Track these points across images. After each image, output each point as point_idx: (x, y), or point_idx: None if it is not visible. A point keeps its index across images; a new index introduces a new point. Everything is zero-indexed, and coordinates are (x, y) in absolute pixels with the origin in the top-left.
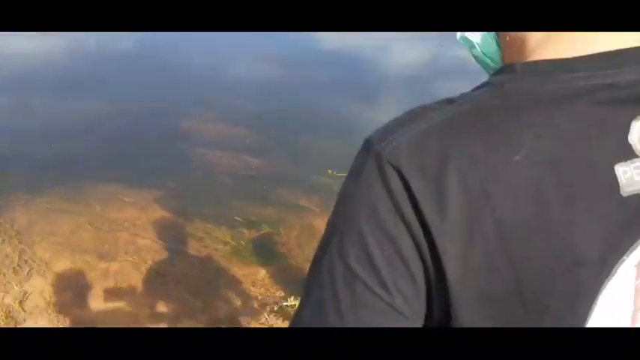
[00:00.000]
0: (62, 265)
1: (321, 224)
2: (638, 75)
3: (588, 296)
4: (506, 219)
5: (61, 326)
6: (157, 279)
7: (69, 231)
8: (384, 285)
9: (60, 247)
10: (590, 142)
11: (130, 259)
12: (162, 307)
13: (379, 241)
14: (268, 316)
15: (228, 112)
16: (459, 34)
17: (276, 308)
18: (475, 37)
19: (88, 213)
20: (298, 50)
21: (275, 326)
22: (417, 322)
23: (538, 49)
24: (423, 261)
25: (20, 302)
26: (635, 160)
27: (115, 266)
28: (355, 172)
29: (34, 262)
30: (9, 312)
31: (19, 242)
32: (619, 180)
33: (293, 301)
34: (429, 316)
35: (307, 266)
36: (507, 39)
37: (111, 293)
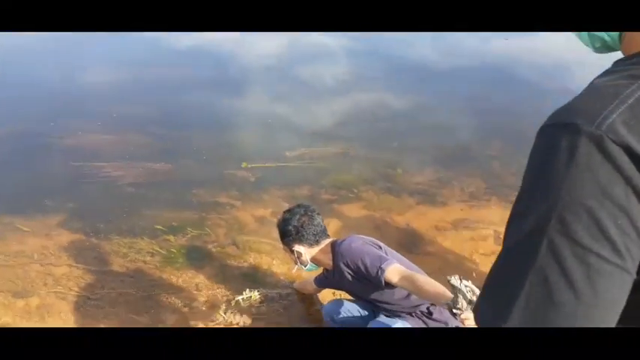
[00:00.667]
0: None
1: (245, 217)
2: None
3: None
4: None
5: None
6: (90, 304)
7: None
8: (618, 252)
9: None
10: None
11: (53, 290)
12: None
13: (612, 215)
14: (225, 314)
15: (109, 120)
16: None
17: (233, 304)
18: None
19: None
20: (155, 51)
21: (235, 323)
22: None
23: None
24: None
25: None
26: None
27: (35, 301)
28: (566, 157)
29: None
30: None
31: None
32: None
33: (248, 294)
34: None
35: (246, 260)
36: None
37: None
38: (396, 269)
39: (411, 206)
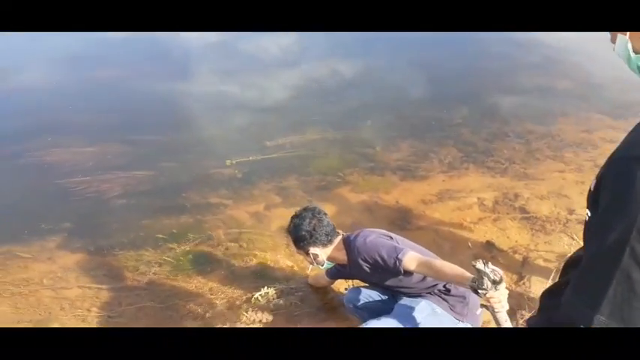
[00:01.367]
0: None
1: (240, 214)
2: None
3: None
4: None
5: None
6: (112, 322)
7: None
8: None
9: None
10: None
11: (71, 314)
12: None
13: None
14: (247, 313)
15: (79, 131)
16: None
17: (253, 301)
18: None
19: None
20: (89, 48)
21: (258, 321)
22: None
23: None
24: None
25: None
26: None
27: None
28: None
29: None
30: None
31: None
32: None
33: (266, 290)
34: None
35: (251, 257)
36: None
37: None
38: (412, 257)
39: (396, 184)
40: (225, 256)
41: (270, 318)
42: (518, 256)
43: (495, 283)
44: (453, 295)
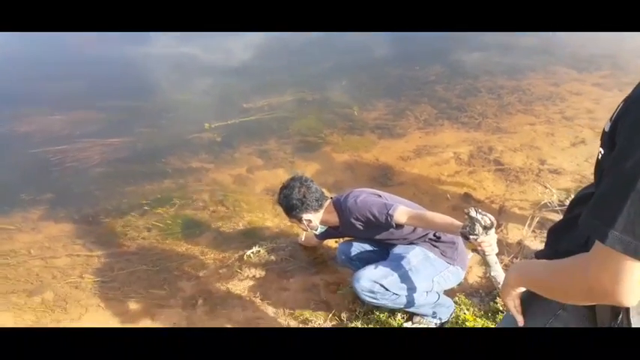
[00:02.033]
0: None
1: (223, 177)
2: None
3: None
4: None
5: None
6: (107, 287)
7: None
8: None
9: None
10: None
11: (64, 282)
12: (133, 308)
13: None
14: (240, 270)
15: (50, 99)
16: None
17: (245, 258)
18: None
19: None
20: None
21: (251, 275)
22: None
23: None
24: None
25: None
26: None
27: (50, 296)
28: None
29: None
30: None
31: None
32: None
33: (257, 248)
34: None
35: (239, 219)
36: None
37: (73, 320)
38: (402, 211)
39: (375, 142)
40: (212, 218)
41: (263, 273)
42: (494, 206)
43: (486, 228)
44: (443, 242)
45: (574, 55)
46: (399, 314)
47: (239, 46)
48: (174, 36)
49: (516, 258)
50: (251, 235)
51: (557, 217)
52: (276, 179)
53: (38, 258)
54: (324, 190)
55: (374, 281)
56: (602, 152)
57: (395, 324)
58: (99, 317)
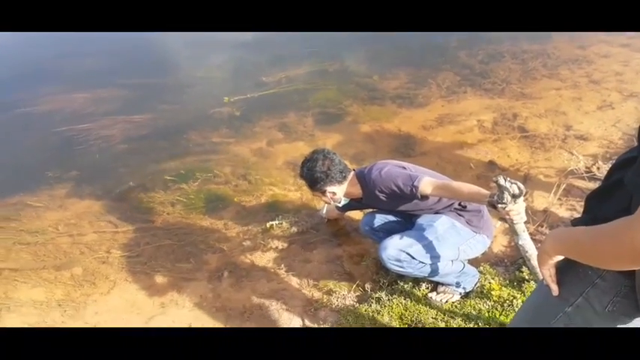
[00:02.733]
0: (27, 294)
1: (244, 152)
2: None
3: None
4: None
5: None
6: (134, 262)
7: (1, 258)
8: None
9: (6, 280)
10: None
11: (92, 257)
12: (160, 281)
13: None
14: (264, 242)
15: (72, 78)
16: None
17: (268, 228)
18: None
19: (5, 233)
20: None
21: (274, 247)
22: None
23: None
24: None
25: None
26: None
27: (79, 271)
28: None
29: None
30: None
31: None
32: None
33: (280, 220)
34: None
35: (261, 193)
36: None
37: (102, 294)
38: (427, 182)
39: (396, 112)
40: (235, 192)
41: (287, 245)
42: (519, 174)
43: (515, 196)
44: (468, 211)
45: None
46: (424, 285)
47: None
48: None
49: (541, 226)
50: (274, 208)
51: (584, 184)
52: (297, 152)
53: (66, 235)
54: (345, 162)
55: (400, 250)
56: None
57: (419, 294)
58: (127, 291)
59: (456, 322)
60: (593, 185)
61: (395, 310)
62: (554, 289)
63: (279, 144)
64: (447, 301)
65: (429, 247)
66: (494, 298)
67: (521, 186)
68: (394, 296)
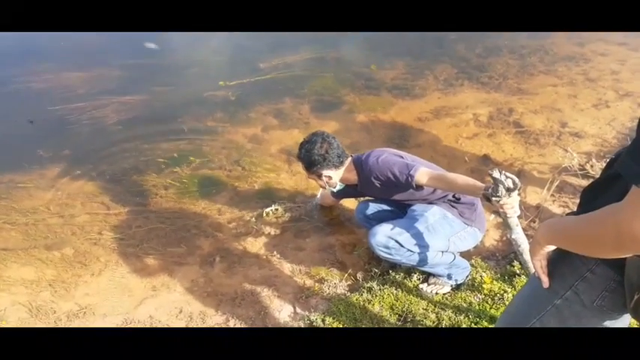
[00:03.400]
0: (17, 273)
1: (238, 137)
2: None
3: None
4: None
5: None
6: (125, 244)
7: None
8: None
9: None
10: None
11: (83, 238)
12: (152, 264)
13: None
14: (258, 228)
15: (69, 57)
16: None
17: (263, 215)
18: None
19: None
20: None
21: (267, 232)
22: None
23: None
24: None
25: None
26: None
27: (70, 252)
28: None
29: None
30: None
31: None
32: None
33: (275, 206)
34: None
35: (255, 179)
36: None
37: (92, 275)
38: (423, 172)
39: (392, 102)
40: (228, 178)
41: (279, 232)
42: (513, 169)
43: (509, 190)
44: (462, 203)
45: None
46: (415, 275)
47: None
48: None
49: (534, 222)
50: (267, 195)
51: (577, 181)
52: (292, 139)
53: (57, 215)
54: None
55: (389, 237)
56: None
57: (411, 285)
58: (118, 273)
59: (447, 314)
60: (587, 182)
61: (386, 300)
62: (545, 280)
63: (274, 130)
64: (437, 293)
65: (419, 237)
66: (485, 292)
67: (516, 180)
68: (385, 286)
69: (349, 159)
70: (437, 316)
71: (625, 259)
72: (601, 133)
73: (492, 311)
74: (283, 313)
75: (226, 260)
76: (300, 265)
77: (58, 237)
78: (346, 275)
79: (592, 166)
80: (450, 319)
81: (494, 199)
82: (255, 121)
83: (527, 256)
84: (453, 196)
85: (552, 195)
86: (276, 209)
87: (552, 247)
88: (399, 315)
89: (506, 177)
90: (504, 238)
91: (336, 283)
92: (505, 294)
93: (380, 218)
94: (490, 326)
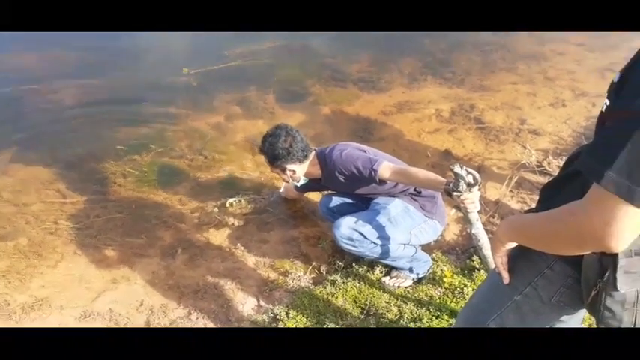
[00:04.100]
0: None
1: (201, 126)
2: None
3: None
4: None
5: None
6: (83, 235)
7: None
8: None
9: None
10: None
11: (38, 227)
12: (111, 255)
13: None
14: (221, 220)
15: (24, 37)
16: None
17: (227, 206)
18: None
19: None
20: None
21: (230, 224)
22: None
23: None
24: None
25: None
26: None
27: (24, 241)
28: None
29: None
30: None
31: None
32: None
33: (239, 198)
34: None
35: (217, 169)
36: None
37: (49, 266)
38: (386, 167)
39: (358, 95)
40: (190, 167)
41: (243, 224)
42: (474, 164)
43: (470, 185)
44: (423, 196)
45: None
46: (378, 268)
47: None
48: None
49: (493, 217)
50: (231, 186)
51: (535, 177)
52: (256, 129)
53: (10, 203)
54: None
55: (353, 229)
56: (607, 104)
57: (374, 278)
58: (76, 264)
59: (408, 307)
60: (544, 179)
61: (349, 293)
62: (505, 276)
63: (238, 120)
64: (399, 286)
65: (381, 229)
66: (446, 285)
67: (477, 175)
68: (349, 279)
69: (313, 153)
70: (399, 309)
71: (582, 256)
72: (557, 131)
73: (453, 305)
74: (247, 306)
75: (188, 252)
76: (263, 257)
77: (11, 226)
78: (310, 268)
79: (549, 164)
80: (411, 312)
81: (455, 193)
82: (219, 109)
83: (486, 251)
84: (415, 190)
85: (511, 191)
86: (240, 200)
87: (513, 244)
88: (362, 308)
89: (467, 172)
90: (464, 233)
91: (300, 276)
92: (465, 288)
93: (343, 211)
94: (451, 320)
